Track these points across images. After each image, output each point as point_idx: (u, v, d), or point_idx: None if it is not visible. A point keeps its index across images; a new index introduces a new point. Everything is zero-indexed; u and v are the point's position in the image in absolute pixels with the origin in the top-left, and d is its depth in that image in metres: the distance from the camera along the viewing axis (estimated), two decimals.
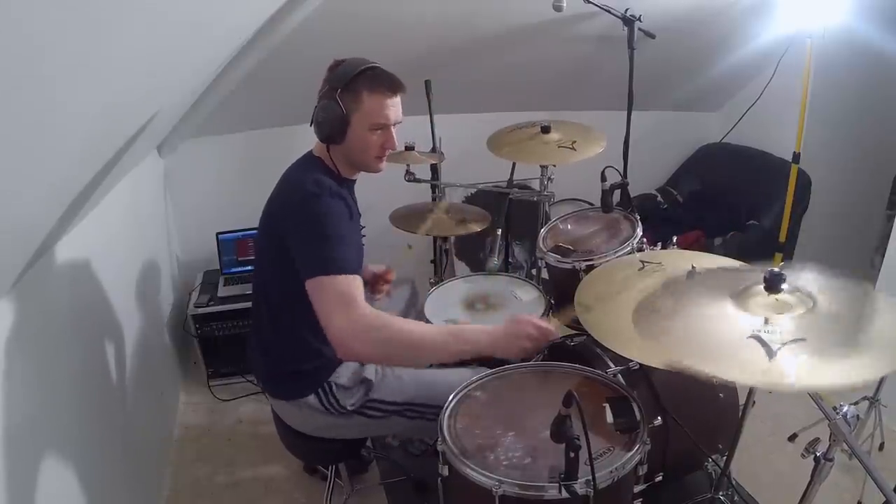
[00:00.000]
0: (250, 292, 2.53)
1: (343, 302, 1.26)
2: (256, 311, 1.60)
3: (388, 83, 1.40)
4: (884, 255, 2.31)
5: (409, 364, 1.56)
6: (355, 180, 1.56)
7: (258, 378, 1.65)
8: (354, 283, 1.29)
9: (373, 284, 1.83)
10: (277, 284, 1.43)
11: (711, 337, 1.03)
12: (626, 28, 2.34)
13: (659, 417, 1.58)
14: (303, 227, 1.33)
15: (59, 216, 1.31)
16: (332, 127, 1.37)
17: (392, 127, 1.44)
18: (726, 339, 1.01)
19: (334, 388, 1.51)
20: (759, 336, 0.96)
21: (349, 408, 1.51)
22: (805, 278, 1.09)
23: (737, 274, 1.21)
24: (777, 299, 1.05)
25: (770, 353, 0.93)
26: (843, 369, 0.91)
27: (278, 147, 3.01)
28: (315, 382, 1.50)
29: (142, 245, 2.35)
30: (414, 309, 2.01)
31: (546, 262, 1.97)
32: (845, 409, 1.13)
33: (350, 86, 1.36)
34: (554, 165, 2.17)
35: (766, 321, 1.00)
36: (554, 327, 1.41)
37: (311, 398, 1.50)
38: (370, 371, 1.54)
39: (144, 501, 1.90)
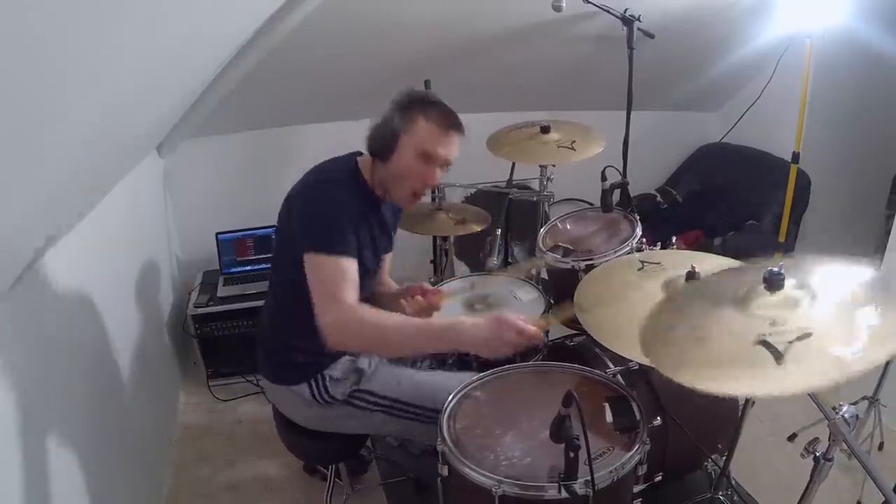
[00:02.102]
0: (250, 292, 2.59)
1: (331, 296, 1.29)
2: (271, 294, 1.62)
3: (444, 115, 1.41)
4: (884, 255, 2.31)
5: (384, 355, 1.61)
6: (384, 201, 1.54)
7: (258, 361, 1.65)
8: (342, 269, 1.31)
9: (414, 295, 1.69)
10: (290, 270, 1.43)
11: (720, 352, 1.01)
12: (625, 28, 2.34)
13: (658, 417, 1.58)
14: (310, 205, 1.37)
15: (60, 217, 1.31)
16: (383, 141, 1.41)
17: (440, 167, 1.45)
18: (734, 350, 0.98)
19: (327, 379, 1.53)
20: (765, 340, 0.94)
21: (339, 398, 1.52)
22: (805, 270, 1.08)
23: (737, 275, 1.20)
24: (781, 297, 1.04)
25: (778, 357, 0.92)
26: (852, 356, 0.88)
27: (278, 147, 3.02)
28: (309, 372, 1.52)
29: (141, 245, 2.35)
30: None
31: (545, 262, 1.97)
32: (845, 408, 1.12)
33: (409, 107, 1.41)
34: (553, 165, 2.17)
35: (773, 322, 0.98)
36: (543, 327, 1.37)
37: (303, 387, 1.52)
38: (364, 362, 1.55)
39: (144, 501, 1.90)
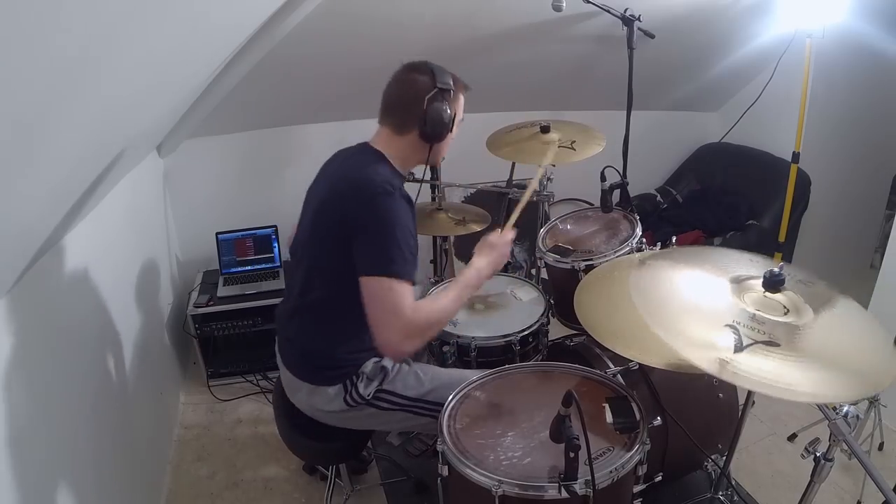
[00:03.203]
0: (250, 292, 2.59)
1: (393, 312, 1.35)
2: (302, 293, 1.56)
3: (463, 83, 1.59)
4: (883, 255, 2.31)
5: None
6: None
7: (283, 357, 1.64)
8: (405, 291, 1.36)
9: None
10: (335, 273, 1.45)
11: (695, 310, 1.03)
12: (625, 28, 2.34)
13: (658, 417, 1.58)
14: (372, 224, 1.37)
15: (60, 217, 1.31)
16: (442, 127, 1.49)
17: None
18: (707, 318, 1.01)
19: (361, 378, 1.52)
20: (735, 327, 0.96)
21: (365, 397, 1.51)
22: (802, 286, 1.09)
23: (746, 261, 1.22)
24: (770, 297, 1.04)
25: (738, 347, 0.93)
26: (806, 384, 0.91)
27: (278, 147, 3.02)
28: (346, 373, 1.52)
29: (142, 245, 2.35)
30: None
31: (545, 262, 1.97)
32: (845, 409, 1.12)
33: (456, 88, 1.53)
34: (553, 165, 2.16)
35: (754, 316, 1.00)
36: (510, 228, 1.70)
37: (338, 388, 1.51)
38: (388, 361, 1.55)
39: (144, 501, 1.91)
